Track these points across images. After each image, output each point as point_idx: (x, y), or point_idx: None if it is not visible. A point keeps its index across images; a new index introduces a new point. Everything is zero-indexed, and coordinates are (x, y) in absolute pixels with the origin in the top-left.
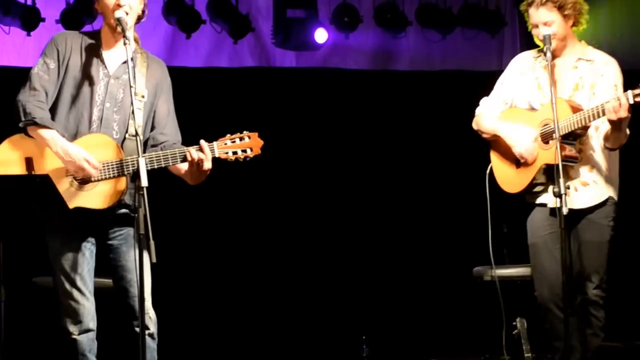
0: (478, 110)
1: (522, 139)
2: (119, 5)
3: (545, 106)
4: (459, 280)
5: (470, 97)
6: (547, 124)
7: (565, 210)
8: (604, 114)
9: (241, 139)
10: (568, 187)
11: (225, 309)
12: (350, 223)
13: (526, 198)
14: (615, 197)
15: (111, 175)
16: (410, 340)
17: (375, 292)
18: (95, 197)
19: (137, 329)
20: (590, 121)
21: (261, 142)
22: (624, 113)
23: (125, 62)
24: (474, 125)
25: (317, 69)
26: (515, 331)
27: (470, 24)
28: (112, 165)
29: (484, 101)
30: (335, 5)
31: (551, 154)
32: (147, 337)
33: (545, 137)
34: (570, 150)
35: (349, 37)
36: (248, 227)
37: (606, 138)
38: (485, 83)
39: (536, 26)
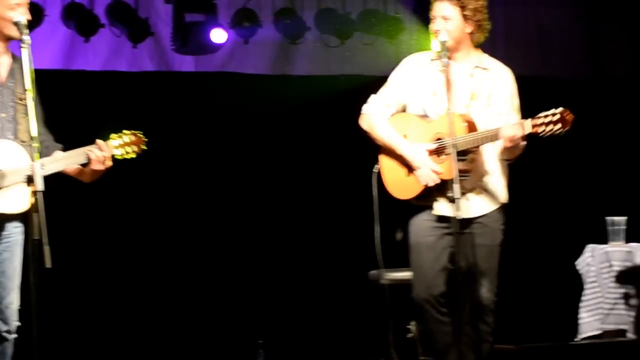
0: (368, 110)
1: (426, 162)
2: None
3: (441, 119)
4: (356, 283)
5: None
6: (440, 139)
7: (458, 215)
8: (497, 139)
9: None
10: (463, 193)
11: (115, 312)
12: (246, 228)
13: (413, 201)
14: (506, 201)
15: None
16: (306, 344)
17: (272, 295)
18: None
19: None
20: (484, 143)
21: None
22: (519, 140)
23: (12, 68)
24: (364, 125)
25: (215, 73)
26: (410, 334)
27: (369, 29)
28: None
29: (373, 99)
30: (235, 9)
31: (444, 168)
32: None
33: (439, 152)
34: (463, 165)
35: (248, 42)
36: (140, 229)
37: (502, 152)
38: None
39: (434, 18)
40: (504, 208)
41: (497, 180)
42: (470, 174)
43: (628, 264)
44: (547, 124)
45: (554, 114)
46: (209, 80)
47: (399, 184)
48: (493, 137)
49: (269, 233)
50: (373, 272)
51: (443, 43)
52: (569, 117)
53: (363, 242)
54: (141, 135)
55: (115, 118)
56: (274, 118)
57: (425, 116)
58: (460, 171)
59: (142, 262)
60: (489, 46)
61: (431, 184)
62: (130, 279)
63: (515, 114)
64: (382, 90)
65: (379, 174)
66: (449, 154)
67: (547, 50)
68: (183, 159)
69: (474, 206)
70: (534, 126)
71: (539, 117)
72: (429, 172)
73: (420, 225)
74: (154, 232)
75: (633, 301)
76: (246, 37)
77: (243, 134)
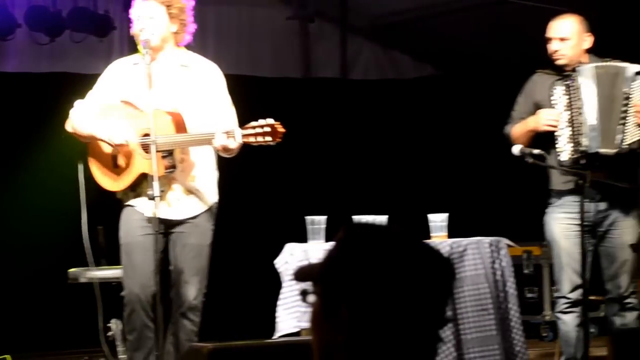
0: (72, 114)
1: (120, 134)
2: None
3: (148, 116)
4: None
5: (75, 98)
6: (146, 135)
7: (160, 214)
8: (209, 143)
9: None
10: (163, 191)
11: None
12: None
13: (124, 199)
14: (216, 201)
15: None
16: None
17: None
18: None
19: None
20: (192, 145)
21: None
22: (232, 150)
23: None
24: (69, 128)
25: None
26: (110, 333)
27: (79, 27)
28: None
29: (78, 103)
30: None
31: (149, 164)
32: None
33: (145, 147)
34: (169, 161)
35: None
36: None
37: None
38: (92, 85)
39: (140, 18)
40: (214, 208)
41: (207, 181)
42: (181, 174)
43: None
44: (257, 135)
45: (263, 126)
46: None
47: (107, 176)
48: (204, 142)
49: None
50: (73, 270)
51: (147, 42)
52: (280, 129)
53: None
54: (279, 126)
55: None
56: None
57: (134, 112)
58: (167, 167)
59: None
60: (200, 46)
61: (119, 141)
62: None
63: (228, 109)
64: (89, 94)
65: (87, 168)
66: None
67: (257, 50)
68: None
69: (185, 207)
70: (244, 136)
71: (249, 128)
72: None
73: (130, 225)
74: None
75: (310, 298)
76: None
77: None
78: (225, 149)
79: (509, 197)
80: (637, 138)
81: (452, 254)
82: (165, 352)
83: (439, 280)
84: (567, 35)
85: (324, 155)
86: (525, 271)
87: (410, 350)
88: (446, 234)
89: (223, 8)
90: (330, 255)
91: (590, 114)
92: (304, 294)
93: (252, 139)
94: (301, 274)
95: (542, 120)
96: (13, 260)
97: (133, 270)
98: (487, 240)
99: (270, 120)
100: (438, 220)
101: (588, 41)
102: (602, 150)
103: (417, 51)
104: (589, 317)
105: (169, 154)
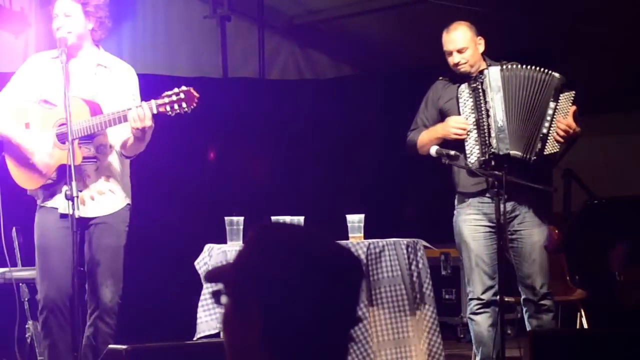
0: None
1: (40, 148)
2: None
3: (62, 106)
4: None
5: None
6: (63, 124)
7: (77, 214)
8: (125, 120)
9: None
10: (80, 190)
11: None
12: None
13: (38, 200)
14: (130, 202)
15: None
16: None
17: None
18: None
19: None
20: (109, 125)
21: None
22: (148, 122)
23: None
24: None
25: None
26: (28, 334)
27: None
28: None
29: None
30: None
31: (66, 155)
32: None
33: (62, 138)
34: (88, 151)
35: None
36: None
37: (124, 146)
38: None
39: (56, 15)
40: (129, 209)
41: (122, 181)
42: (96, 173)
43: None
44: (172, 102)
45: (177, 93)
46: None
47: (23, 173)
48: (121, 118)
49: None
50: None
51: (63, 40)
52: (195, 93)
53: None
54: (193, 91)
55: None
56: None
57: (49, 104)
58: (85, 158)
59: None
60: (116, 44)
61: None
62: None
63: None
64: (3, 91)
65: (4, 165)
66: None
67: (174, 48)
68: None
69: (99, 205)
70: (159, 106)
71: (164, 97)
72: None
73: (45, 226)
74: None
75: (223, 299)
76: None
77: None
78: (141, 121)
79: (426, 198)
80: (556, 151)
81: (370, 255)
82: (82, 355)
83: (348, 278)
84: (464, 44)
85: (243, 156)
86: (443, 273)
87: (321, 348)
88: (363, 234)
89: (139, 6)
90: (241, 255)
91: (499, 116)
92: (216, 295)
93: (168, 108)
94: (213, 275)
95: (450, 128)
96: None
97: (49, 273)
98: (404, 241)
99: (184, 87)
100: (355, 221)
101: (482, 44)
102: (513, 153)
103: (335, 50)
104: (504, 318)
105: (87, 142)
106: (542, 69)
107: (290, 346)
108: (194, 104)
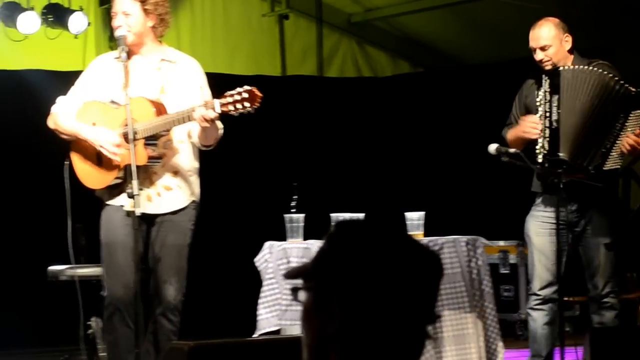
0: (54, 109)
1: (106, 137)
2: None
3: (131, 104)
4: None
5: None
6: (127, 124)
7: (139, 211)
8: (189, 120)
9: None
10: (141, 189)
11: None
12: None
13: (104, 198)
14: (197, 199)
15: None
16: None
17: None
18: None
19: None
20: (174, 125)
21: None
22: (213, 121)
23: None
24: (50, 124)
25: None
26: (90, 331)
27: (54, 23)
28: None
29: (61, 99)
30: None
31: (126, 155)
32: None
33: (127, 138)
34: (152, 151)
35: None
36: None
37: (200, 137)
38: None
39: (115, 14)
40: (195, 207)
41: (188, 177)
42: (162, 169)
43: (305, 259)
44: (235, 102)
45: (240, 92)
46: None
47: (91, 174)
48: (185, 118)
49: None
50: (52, 267)
51: (123, 38)
52: (258, 93)
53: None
54: (256, 91)
55: None
56: None
57: (115, 104)
58: (150, 158)
59: None
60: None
61: (119, 159)
62: None
63: None
64: (70, 90)
65: (70, 166)
66: (136, 139)
67: (233, 47)
68: None
69: (165, 201)
70: (222, 105)
71: (226, 97)
72: (112, 148)
73: (112, 224)
74: None
75: (301, 295)
76: None
77: None
78: (207, 120)
79: (486, 197)
80: (617, 167)
81: None
82: (144, 351)
83: (427, 274)
84: (547, 42)
85: (302, 154)
86: (502, 270)
87: (399, 345)
88: (423, 232)
89: (197, 3)
90: (322, 251)
91: (557, 117)
92: (294, 291)
93: (231, 107)
94: (293, 272)
95: (524, 127)
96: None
97: (115, 270)
98: (463, 239)
99: (247, 87)
100: (415, 219)
101: (569, 42)
102: (563, 156)
103: (394, 48)
104: (563, 315)
105: (153, 143)
106: (618, 79)
107: (369, 341)
108: (257, 104)
